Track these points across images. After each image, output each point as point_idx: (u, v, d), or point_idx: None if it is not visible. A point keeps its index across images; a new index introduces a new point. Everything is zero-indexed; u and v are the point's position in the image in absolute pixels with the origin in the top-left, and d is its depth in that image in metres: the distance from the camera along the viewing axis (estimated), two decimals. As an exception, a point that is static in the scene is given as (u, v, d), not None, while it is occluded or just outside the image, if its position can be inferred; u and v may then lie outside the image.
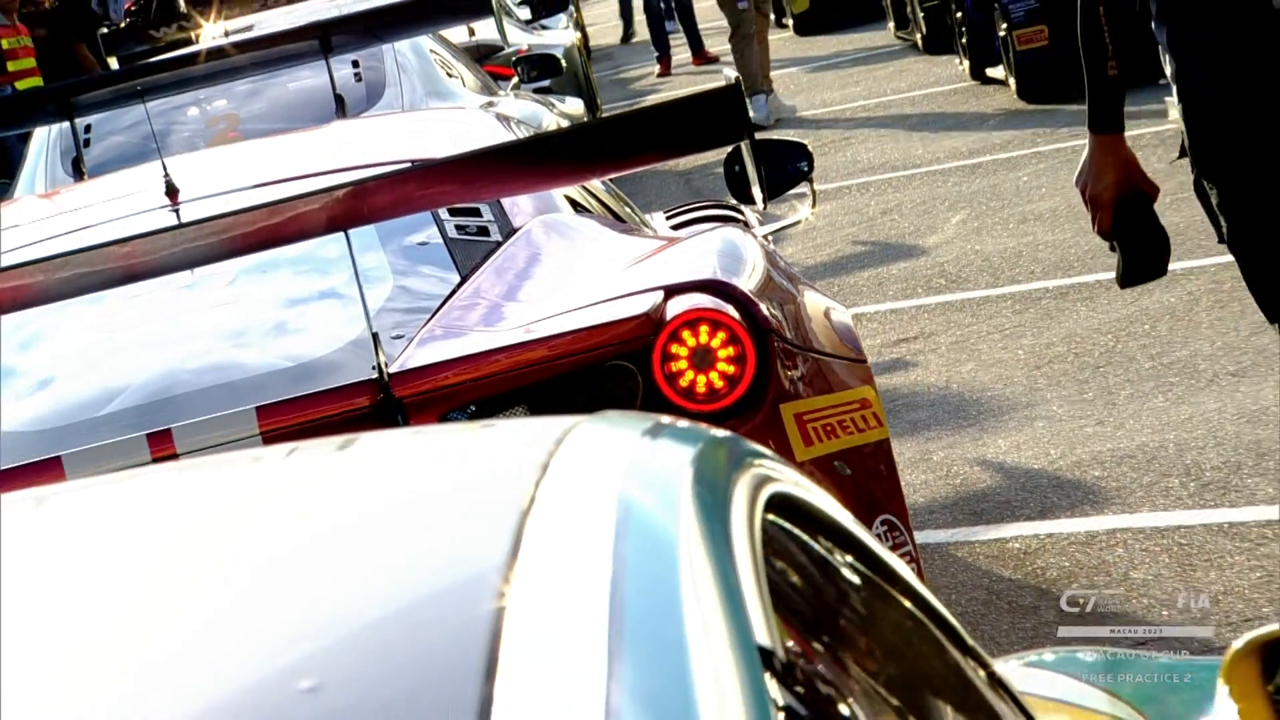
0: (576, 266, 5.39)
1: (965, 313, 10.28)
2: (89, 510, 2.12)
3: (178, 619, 1.69)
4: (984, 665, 2.28)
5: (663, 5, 23.59)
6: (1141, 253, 5.15)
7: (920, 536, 5.85)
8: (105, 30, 19.20)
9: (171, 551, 1.88)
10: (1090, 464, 7.59)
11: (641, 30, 26.67)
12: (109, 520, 2.03)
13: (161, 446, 4.61)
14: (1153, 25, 5.03)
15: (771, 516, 1.84)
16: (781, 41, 19.11)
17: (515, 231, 5.52)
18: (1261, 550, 6.39)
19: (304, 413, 4.63)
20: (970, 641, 2.29)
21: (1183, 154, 5.37)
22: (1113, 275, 9.97)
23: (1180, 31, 4.91)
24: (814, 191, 7.06)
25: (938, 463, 7.96)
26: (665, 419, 2.05)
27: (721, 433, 2.05)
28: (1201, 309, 8.81)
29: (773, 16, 19.60)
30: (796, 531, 1.94)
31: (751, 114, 17.71)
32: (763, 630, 1.59)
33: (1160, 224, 5.13)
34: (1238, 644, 2.18)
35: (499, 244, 5.46)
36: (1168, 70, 4.98)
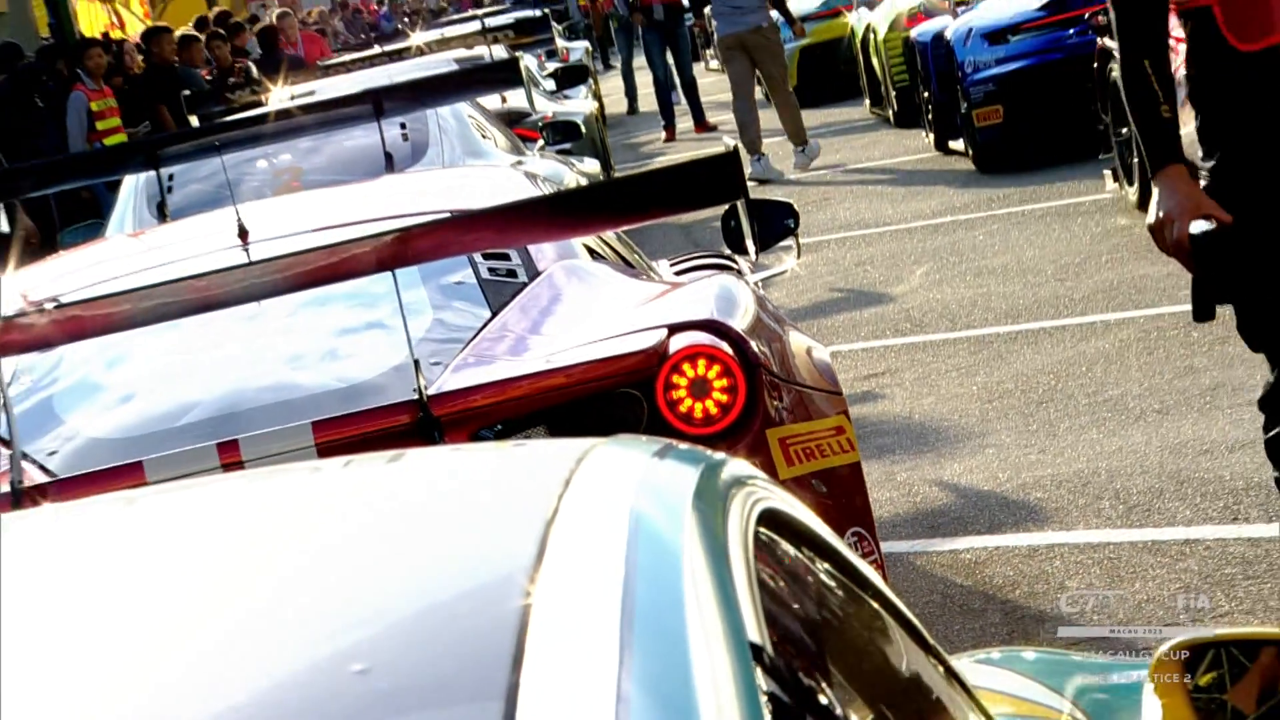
0: (591, 306, 5.38)
1: (927, 353, 10.27)
2: (174, 510, 2.11)
3: (250, 606, 1.70)
4: (942, 661, 2.27)
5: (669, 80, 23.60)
6: (1216, 278, 4.69)
7: (885, 546, 5.82)
8: (188, 93, 19.21)
9: (243, 549, 1.88)
10: (1033, 487, 7.58)
11: (646, 103, 26.69)
12: (191, 519, 2.03)
13: (229, 455, 4.60)
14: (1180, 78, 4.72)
15: (762, 529, 1.84)
16: (771, 114, 19.05)
17: (539, 274, 5.51)
18: (1179, 565, 6.38)
19: (353, 428, 4.63)
20: (930, 639, 2.28)
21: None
22: (1053, 324, 9.97)
23: (1202, 89, 4.68)
24: (798, 245, 7.04)
25: (900, 482, 7.95)
26: (671, 442, 2.04)
27: (720, 455, 2.05)
28: (1131, 355, 8.80)
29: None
30: (783, 542, 1.93)
31: (748, 171, 18.02)
32: (753, 628, 1.59)
33: (1233, 248, 4.63)
34: (1163, 648, 2.17)
35: (525, 285, 5.45)
36: (1192, 124, 4.70)
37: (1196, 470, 7.14)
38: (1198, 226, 4.53)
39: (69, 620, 1.72)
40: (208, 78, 20.86)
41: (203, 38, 22.25)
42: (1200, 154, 4.73)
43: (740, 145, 17.44)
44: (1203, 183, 4.66)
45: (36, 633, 1.71)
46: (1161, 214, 4.60)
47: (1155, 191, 4.64)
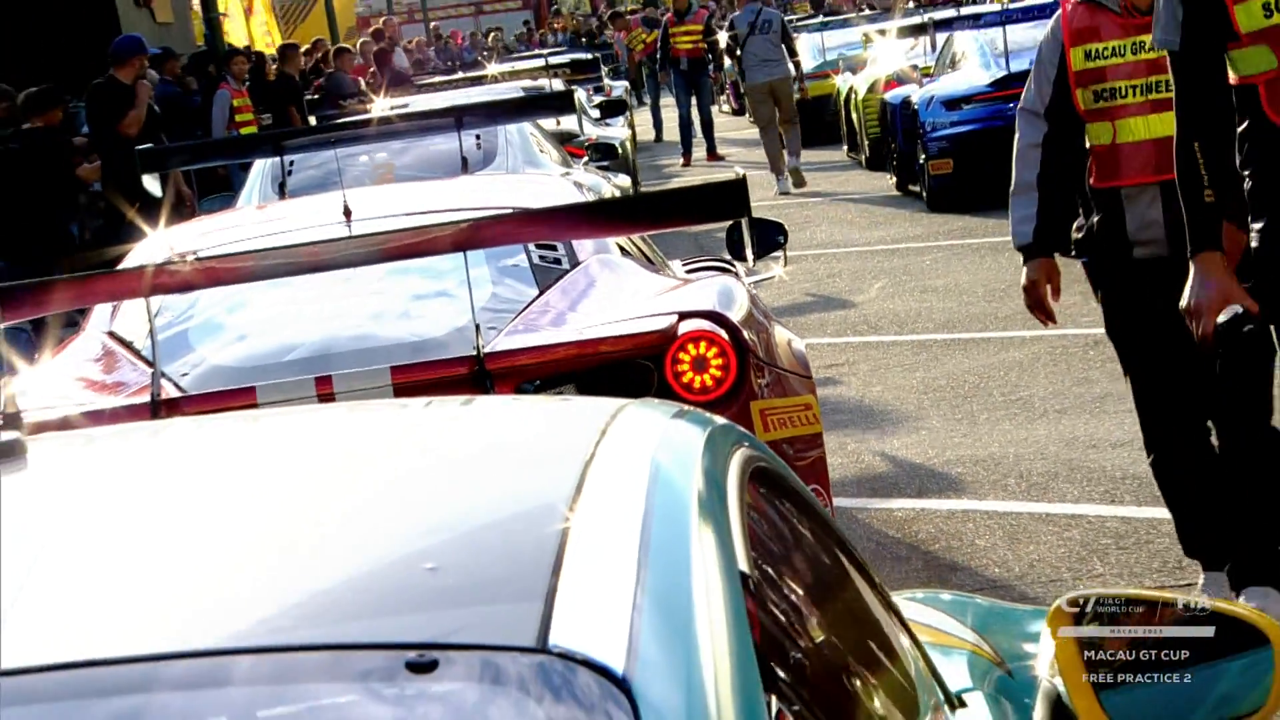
0: (618, 292, 5.37)
1: (878, 351, 10.25)
2: (284, 429, 2.10)
3: (345, 510, 1.69)
4: (883, 594, 2.26)
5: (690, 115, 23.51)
6: (1239, 362, 4.25)
7: (835, 502, 5.81)
8: (310, 98, 19.20)
9: (340, 466, 1.87)
10: (954, 463, 7.57)
11: (669, 134, 26.57)
12: (299, 438, 2.02)
13: (324, 387, 4.60)
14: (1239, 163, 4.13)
15: (752, 482, 1.83)
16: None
17: (579, 263, 5.49)
18: (1067, 534, 6.37)
19: (422, 374, 4.62)
20: (876, 577, 2.27)
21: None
22: (980, 335, 9.93)
23: (1250, 157, 4.11)
24: (785, 256, 7.04)
25: (850, 451, 7.93)
26: (686, 407, 2.03)
27: (723, 420, 2.04)
28: (1040, 365, 8.77)
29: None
30: (767, 493, 1.92)
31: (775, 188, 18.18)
32: (743, 559, 1.58)
33: (1253, 334, 4.18)
34: (1060, 600, 2.15)
35: (566, 271, 5.44)
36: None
37: (1085, 460, 7.12)
38: (1225, 314, 4.14)
39: (200, 511, 1.72)
40: (318, 85, 20.83)
41: (354, 49, 22.15)
42: (1251, 215, 4.20)
43: (765, 167, 17.62)
44: (1252, 241, 4.18)
45: (171, 518, 1.70)
46: (1193, 303, 4.16)
47: (1191, 274, 4.17)
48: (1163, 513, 5.60)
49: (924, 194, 15.97)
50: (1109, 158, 4.91)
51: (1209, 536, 5.10)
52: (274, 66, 20.87)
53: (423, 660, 1.32)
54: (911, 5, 27.61)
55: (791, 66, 19.08)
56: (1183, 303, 4.20)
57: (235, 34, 25.94)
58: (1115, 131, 4.79)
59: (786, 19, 22.40)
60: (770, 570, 1.72)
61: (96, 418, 4.49)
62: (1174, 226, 4.71)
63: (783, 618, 1.70)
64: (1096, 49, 4.80)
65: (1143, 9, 4.75)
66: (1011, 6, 16.60)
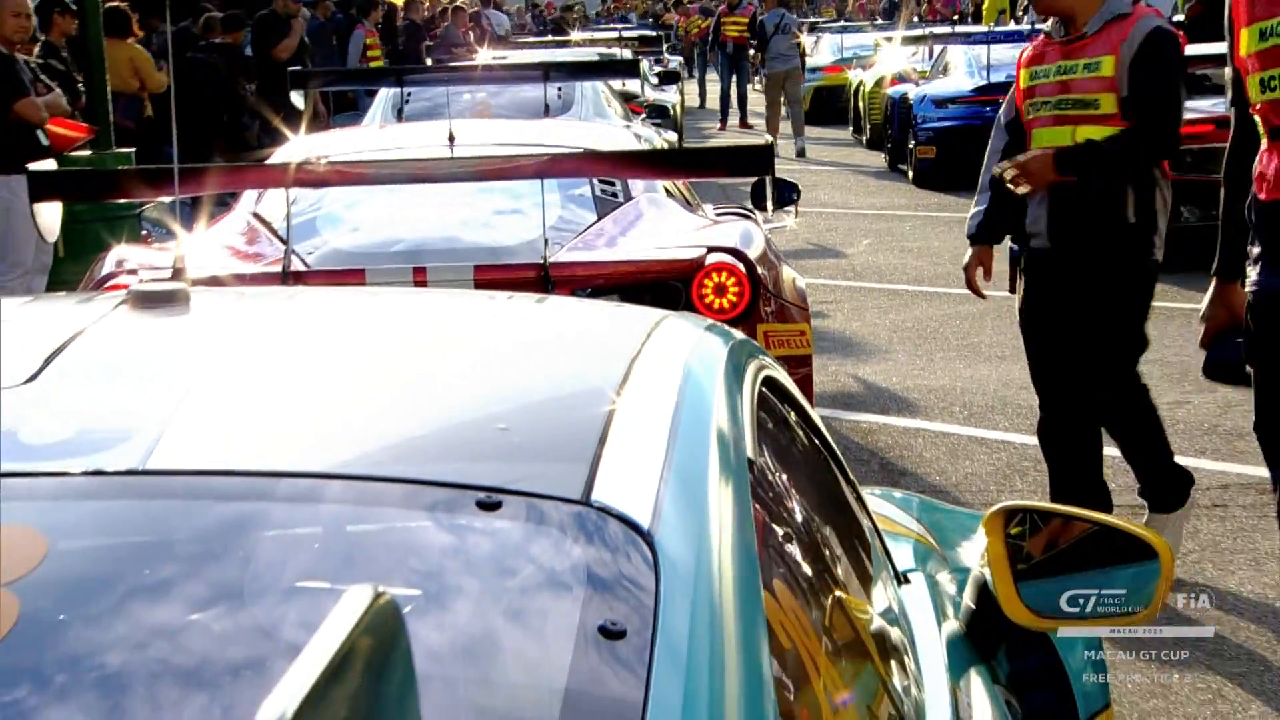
0: (660, 224, 5.34)
1: (860, 295, 10.20)
2: (391, 306, 2.09)
3: (435, 375, 1.70)
4: (855, 487, 2.26)
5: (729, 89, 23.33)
6: (1231, 367, 3.52)
7: (815, 412, 5.80)
8: (429, 43, 19.08)
9: (432, 338, 1.85)
10: (912, 390, 7.54)
11: (710, 102, 26.37)
12: (402, 314, 2.00)
13: (419, 276, 4.59)
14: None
15: (762, 387, 1.82)
16: (786, 125, 19.03)
17: (631, 199, 5.46)
18: (997, 456, 6.35)
19: (498, 274, 4.60)
20: (849, 472, 2.26)
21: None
22: (943, 290, 9.84)
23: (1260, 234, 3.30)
24: (797, 210, 7.02)
25: (830, 372, 7.91)
26: (715, 322, 2.02)
27: (742, 335, 2.02)
28: (988, 319, 8.71)
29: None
30: (773, 397, 1.91)
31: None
32: (750, 448, 1.57)
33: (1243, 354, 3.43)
34: (994, 508, 2.15)
35: (621, 203, 5.41)
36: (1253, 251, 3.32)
37: (1017, 398, 7.08)
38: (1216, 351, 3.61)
39: (318, 361, 1.71)
40: (435, 33, 20.71)
41: (466, 6, 21.99)
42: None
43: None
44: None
45: (295, 363, 1.70)
46: (1204, 319, 3.62)
47: (1209, 291, 3.60)
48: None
49: (910, 173, 15.84)
50: None
51: (1079, 493, 4.85)
52: (401, 15, 20.76)
53: (490, 500, 1.32)
54: (916, 20, 27.46)
55: (799, 62, 19.57)
56: (1202, 312, 3.65)
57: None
58: (1031, 140, 4.74)
59: (812, 21, 22.25)
60: (770, 458, 1.71)
61: (240, 279, 4.50)
62: (1054, 223, 4.68)
63: (777, 496, 1.70)
64: (1037, 70, 4.74)
65: (1072, 33, 4.64)
66: (995, 30, 16.73)
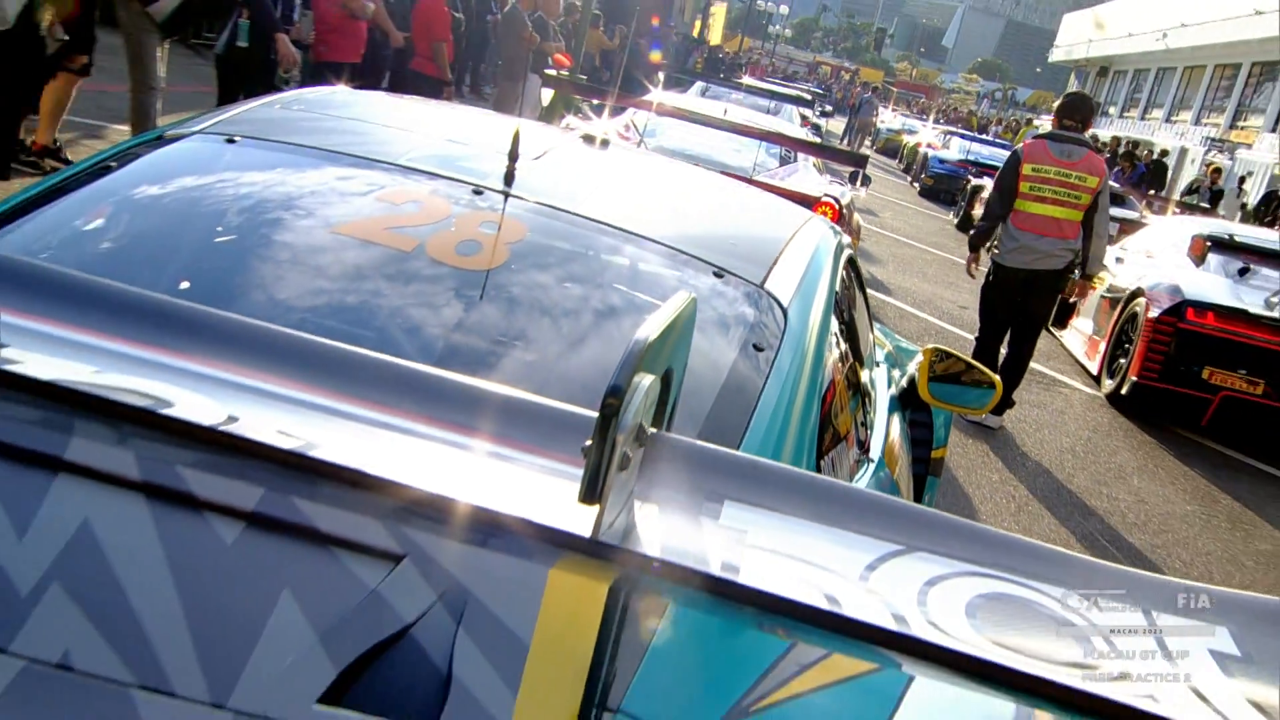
0: (805, 178, 5.10)
1: (893, 244, 9.21)
2: (661, 170, 1.73)
3: (693, 208, 1.55)
4: (872, 318, 2.15)
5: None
6: None
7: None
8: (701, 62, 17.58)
9: (686, 191, 1.64)
10: (924, 303, 6.88)
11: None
12: (665, 175, 1.70)
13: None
14: None
15: (846, 264, 1.73)
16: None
17: (795, 159, 5.32)
18: (953, 341, 5.95)
19: (730, 177, 4.26)
20: (870, 312, 2.11)
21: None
22: (944, 255, 9.00)
23: None
24: (867, 188, 6.59)
25: (866, 281, 7.27)
26: (834, 224, 1.82)
27: (843, 233, 1.83)
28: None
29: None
30: (851, 270, 1.84)
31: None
32: (838, 286, 1.55)
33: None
34: (927, 346, 2.12)
35: (791, 161, 5.24)
36: None
37: (973, 317, 6.51)
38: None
39: (659, 189, 1.56)
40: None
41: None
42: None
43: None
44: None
45: (649, 190, 1.54)
46: None
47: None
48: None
49: (918, 187, 16.02)
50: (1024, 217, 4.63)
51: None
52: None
53: (719, 272, 1.29)
54: (938, 114, 26.36)
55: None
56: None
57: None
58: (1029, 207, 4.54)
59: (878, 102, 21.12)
60: (842, 292, 1.64)
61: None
62: (1029, 256, 4.48)
63: (841, 312, 1.62)
64: (1035, 168, 4.52)
65: (1071, 156, 4.45)
66: (978, 135, 18.28)
